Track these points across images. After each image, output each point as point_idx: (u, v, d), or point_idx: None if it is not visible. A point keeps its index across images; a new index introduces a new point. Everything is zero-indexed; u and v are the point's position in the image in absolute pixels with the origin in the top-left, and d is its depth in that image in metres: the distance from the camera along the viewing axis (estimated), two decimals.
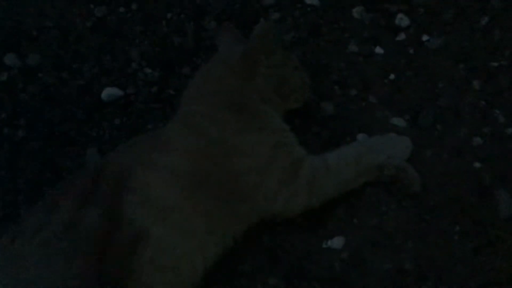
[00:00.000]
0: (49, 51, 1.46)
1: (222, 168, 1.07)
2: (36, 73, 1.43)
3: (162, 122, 1.32)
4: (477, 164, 1.23)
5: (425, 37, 1.43)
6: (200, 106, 1.15)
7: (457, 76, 1.36)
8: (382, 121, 1.30)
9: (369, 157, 1.16)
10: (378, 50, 1.42)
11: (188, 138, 1.09)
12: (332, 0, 1.50)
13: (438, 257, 1.12)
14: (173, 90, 1.38)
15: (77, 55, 1.45)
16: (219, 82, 1.16)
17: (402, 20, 1.45)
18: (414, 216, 1.17)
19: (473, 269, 1.11)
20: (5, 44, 1.47)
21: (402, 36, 1.44)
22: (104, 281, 0.95)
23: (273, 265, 1.13)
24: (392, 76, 1.37)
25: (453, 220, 1.16)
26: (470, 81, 1.35)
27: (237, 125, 1.11)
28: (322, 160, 1.14)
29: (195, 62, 1.42)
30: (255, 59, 1.17)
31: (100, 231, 0.98)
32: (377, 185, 1.18)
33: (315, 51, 1.42)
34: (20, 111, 1.38)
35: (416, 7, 1.47)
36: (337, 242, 1.15)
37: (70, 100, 1.39)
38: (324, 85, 1.36)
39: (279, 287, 1.11)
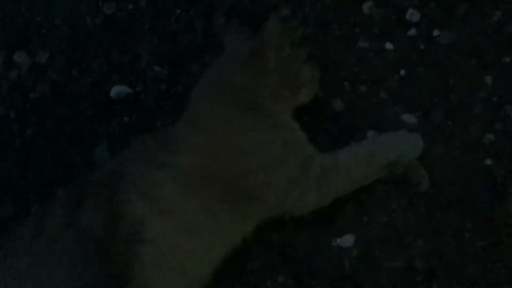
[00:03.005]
0: (58, 49, 1.47)
1: (230, 167, 1.06)
2: (45, 71, 1.43)
3: (171, 119, 1.31)
4: (488, 161, 1.22)
5: (436, 32, 1.41)
6: (208, 104, 1.14)
7: (469, 71, 1.34)
8: (392, 118, 1.29)
9: (379, 155, 1.15)
10: (389, 45, 1.40)
11: (197, 137, 1.08)
12: None
13: (449, 255, 1.11)
14: (182, 87, 1.38)
15: (86, 53, 1.46)
16: (228, 80, 1.16)
17: (413, 15, 1.43)
18: (425, 214, 1.16)
19: (484, 267, 1.10)
20: (14, 41, 1.48)
21: (413, 32, 1.42)
22: (107, 282, 0.95)
23: (282, 263, 1.13)
24: (402, 72, 1.36)
25: (464, 218, 1.15)
26: (482, 76, 1.33)
27: (246, 123, 1.10)
28: (332, 158, 1.13)
29: (204, 59, 1.41)
30: (264, 55, 1.16)
31: (99, 230, 0.97)
32: (387, 182, 1.17)
33: (324, 47, 1.41)
34: (30, 109, 1.38)
35: (427, 2, 1.45)
36: (346, 240, 1.14)
37: (79, 97, 1.39)
38: (334, 81, 1.35)
39: (289, 285, 1.11)
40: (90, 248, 0.97)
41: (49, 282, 0.94)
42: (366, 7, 1.47)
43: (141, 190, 1.02)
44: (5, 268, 0.97)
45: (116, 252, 0.97)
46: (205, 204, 1.04)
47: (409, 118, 1.29)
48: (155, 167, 1.05)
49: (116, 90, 1.38)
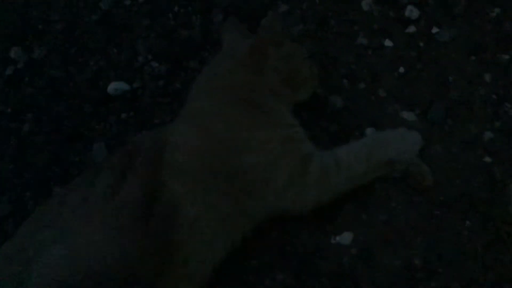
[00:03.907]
0: (55, 45, 1.46)
1: (230, 164, 1.05)
2: (42, 67, 1.42)
3: (169, 116, 1.31)
4: (487, 159, 1.22)
5: (435, 30, 1.41)
6: (206, 102, 1.13)
7: (468, 69, 1.34)
8: (391, 115, 1.29)
9: (379, 152, 1.14)
10: (388, 42, 1.40)
11: (194, 137, 1.07)
12: None
13: (448, 253, 1.11)
14: (180, 84, 1.37)
15: (83, 49, 1.44)
16: (227, 77, 1.15)
17: (412, 12, 1.43)
18: (424, 212, 1.16)
19: (484, 265, 1.10)
20: (11, 37, 1.47)
21: (412, 29, 1.42)
22: (144, 259, 0.94)
23: (281, 261, 1.13)
24: (401, 69, 1.36)
25: (463, 216, 1.15)
26: (481, 74, 1.33)
27: (245, 120, 1.09)
28: (331, 156, 1.12)
29: (202, 56, 1.40)
30: (263, 51, 1.15)
31: (141, 205, 0.97)
32: (387, 180, 1.17)
33: (323, 44, 1.40)
34: (27, 105, 1.37)
35: None
36: (346, 237, 1.14)
37: (76, 94, 1.38)
38: (333, 79, 1.34)
39: (288, 283, 1.10)
40: (132, 223, 0.95)
41: (86, 249, 0.93)
42: (365, 4, 1.47)
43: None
44: (50, 231, 0.97)
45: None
46: (206, 201, 1.03)
47: (408, 115, 1.29)
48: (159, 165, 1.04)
49: (114, 86, 1.37)
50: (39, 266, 0.92)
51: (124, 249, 0.93)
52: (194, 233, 1.00)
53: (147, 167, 1.01)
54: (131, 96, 1.37)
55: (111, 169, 1.02)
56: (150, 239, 0.95)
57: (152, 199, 0.98)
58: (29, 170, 1.27)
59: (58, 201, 1.01)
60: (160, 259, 0.96)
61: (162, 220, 0.97)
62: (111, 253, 0.92)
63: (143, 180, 0.99)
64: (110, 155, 1.09)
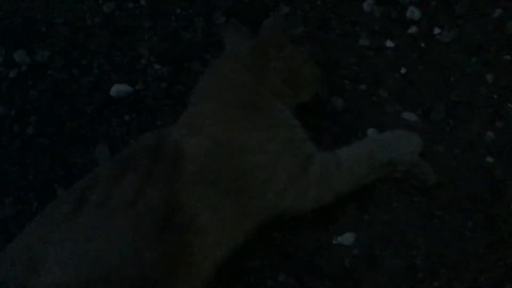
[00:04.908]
0: (58, 48, 1.46)
1: (231, 165, 1.06)
2: (45, 70, 1.43)
3: (171, 118, 1.31)
4: (489, 159, 1.22)
5: (437, 30, 1.41)
6: (208, 104, 1.14)
7: (469, 69, 1.34)
8: (393, 116, 1.29)
9: (380, 153, 1.15)
10: (389, 43, 1.40)
11: (197, 139, 1.08)
12: None
13: (450, 253, 1.11)
14: (183, 86, 1.37)
15: (86, 52, 1.45)
16: (229, 79, 1.16)
17: (413, 13, 1.43)
18: (426, 212, 1.16)
19: (486, 265, 1.10)
20: (14, 41, 1.48)
21: (413, 29, 1.42)
22: (158, 266, 0.95)
23: (283, 261, 1.13)
24: (403, 70, 1.36)
25: (465, 216, 1.15)
26: (483, 74, 1.33)
27: (246, 122, 1.10)
28: (333, 157, 1.13)
29: (204, 58, 1.41)
30: (265, 53, 1.16)
31: (159, 214, 0.98)
32: (388, 181, 1.17)
33: (325, 45, 1.41)
34: (30, 108, 1.38)
35: (427, 0, 1.46)
36: (347, 238, 1.14)
37: (79, 96, 1.39)
38: (334, 80, 1.35)
39: (289, 284, 1.10)
40: (150, 230, 0.97)
41: (106, 251, 0.94)
42: (366, 5, 1.47)
43: None
44: (69, 229, 0.97)
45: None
46: (209, 202, 1.03)
47: (410, 116, 1.29)
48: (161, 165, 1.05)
49: (117, 89, 1.38)
50: (51, 263, 0.93)
51: (142, 255, 0.95)
52: (204, 236, 1.01)
53: (163, 172, 1.03)
54: (134, 98, 1.37)
55: (134, 170, 1.03)
56: (167, 246, 0.97)
57: (168, 205, 0.99)
58: (33, 172, 1.28)
59: (79, 194, 1.01)
60: (174, 265, 0.97)
61: (178, 227, 0.99)
62: (130, 257, 0.94)
63: (162, 186, 1.01)
64: (132, 152, 1.09)
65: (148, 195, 0.99)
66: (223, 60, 1.21)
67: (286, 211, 1.10)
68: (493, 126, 1.26)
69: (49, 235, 0.97)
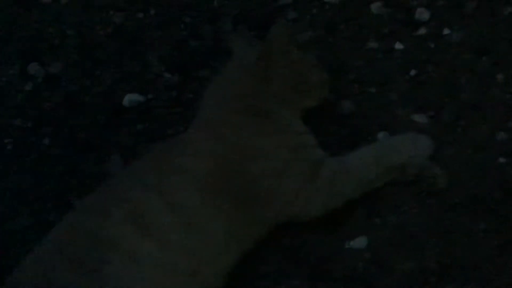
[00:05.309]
0: (70, 59, 1.49)
1: (240, 172, 1.07)
2: (59, 81, 1.46)
3: (182, 126, 1.32)
4: (501, 160, 1.20)
5: (446, 31, 1.40)
6: (218, 110, 1.15)
7: (479, 69, 1.33)
8: (403, 118, 1.28)
9: (390, 157, 1.15)
10: (398, 45, 1.40)
11: (207, 144, 1.09)
12: None
13: (462, 256, 1.10)
14: (192, 94, 1.39)
15: (98, 62, 1.47)
16: (236, 86, 1.17)
17: (422, 14, 1.43)
18: (437, 214, 1.15)
19: (498, 267, 1.08)
20: (28, 53, 1.51)
21: (422, 31, 1.42)
22: None
23: (296, 266, 1.13)
24: (412, 72, 1.36)
25: (477, 218, 1.14)
26: (494, 74, 1.32)
27: (254, 129, 1.11)
28: (341, 162, 1.13)
29: (213, 65, 1.42)
30: (271, 60, 1.17)
31: None
32: (399, 184, 1.17)
33: (333, 49, 1.41)
34: (46, 120, 1.40)
35: (436, 1, 1.45)
36: (359, 242, 1.14)
37: (92, 107, 1.41)
38: (343, 84, 1.35)
39: None
40: None
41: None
42: (374, 7, 1.47)
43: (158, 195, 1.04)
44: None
45: None
46: (218, 208, 1.04)
47: (420, 118, 1.28)
48: (172, 172, 1.06)
49: (129, 98, 1.40)
50: None
51: None
52: (211, 242, 1.03)
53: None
54: (146, 107, 1.39)
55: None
56: None
57: None
58: (48, 182, 1.30)
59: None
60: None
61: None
62: None
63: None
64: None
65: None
66: (230, 68, 1.22)
67: (296, 217, 1.11)
68: (504, 126, 1.24)
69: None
